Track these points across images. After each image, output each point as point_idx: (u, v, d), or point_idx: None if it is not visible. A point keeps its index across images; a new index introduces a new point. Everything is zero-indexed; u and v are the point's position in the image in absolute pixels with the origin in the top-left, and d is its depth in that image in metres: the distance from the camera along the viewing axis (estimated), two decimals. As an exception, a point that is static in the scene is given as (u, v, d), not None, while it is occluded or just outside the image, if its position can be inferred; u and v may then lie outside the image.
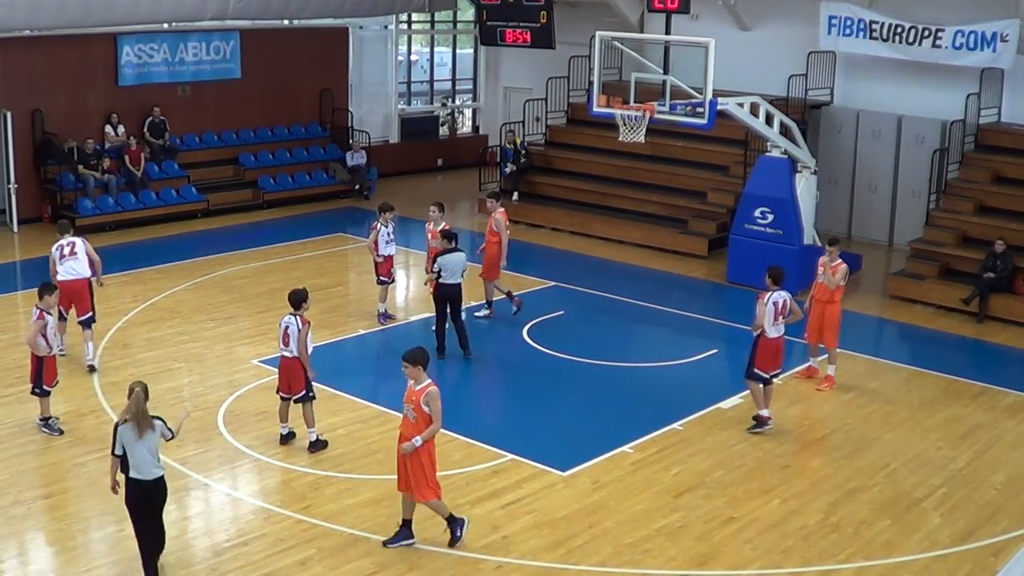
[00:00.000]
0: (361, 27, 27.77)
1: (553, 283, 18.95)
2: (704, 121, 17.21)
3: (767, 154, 19.00)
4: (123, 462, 9.11)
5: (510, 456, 12.09)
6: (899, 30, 20.83)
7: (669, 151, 22.79)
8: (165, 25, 23.25)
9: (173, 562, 9.76)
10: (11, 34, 20.82)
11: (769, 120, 18.46)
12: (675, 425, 13.12)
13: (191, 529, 10.47)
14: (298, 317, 11.86)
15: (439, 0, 27.32)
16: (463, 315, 15.23)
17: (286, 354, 11.95)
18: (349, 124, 26.35)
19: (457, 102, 31.65)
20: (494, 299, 16.76)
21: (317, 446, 12.03)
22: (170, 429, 9.28)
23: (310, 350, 11.92)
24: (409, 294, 18.60)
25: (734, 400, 13.80)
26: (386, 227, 16.14)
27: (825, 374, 14.59)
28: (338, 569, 9.75)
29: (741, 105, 17.98)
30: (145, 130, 23.04)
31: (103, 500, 10.32)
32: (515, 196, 23.83)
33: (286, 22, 25.48)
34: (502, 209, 16.78)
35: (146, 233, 21.51)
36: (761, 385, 13.02)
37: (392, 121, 28.74)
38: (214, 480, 11.44)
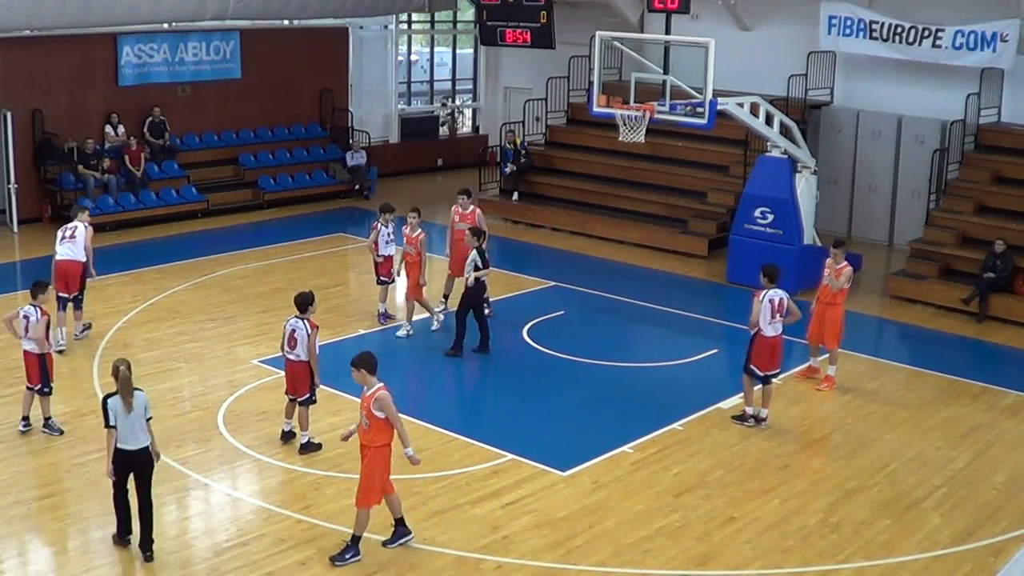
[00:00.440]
0: (361, 27, 27.78)
1: (553, 283, 18.95)
2: (704, 121, 17.21)
3: (767, 154, 19.00)
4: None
5: (510, 456, 12.09)
6: (899, 30, 20.84)
7: (669, 151, 22.79)
8: (165, 25, 23.26)
9: (173, 562, 9.77)
10: (11, 34, 20.82)
11: (769, 120, 18.46)
12: (675, 425, 13.13)
13: (191, 529, 10.47)
14: (306, 321, 11.83)
15: (439, 0, 27.34)
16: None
17: (291, 357, 11.93)
18: (349, 124, 26.35)
19: (457, 102, 31.66)
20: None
21: (309, 448, 12.03)
22: (150, 410, 9.79)
23: (317, 353, 11.93)
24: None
25: (734, 400, 13.78)
26: (386, 227, 16.19)
27: (825, 374, 14.59)
28: (338, 569, 9.75)
29: (741, 105, 17.98)
30: (145, 130, 23.04)
31: (103, 500, 10.31)
32: (515, 196, 23.84)
33: (286, 22, 25.49)
34: (473, 208, 16.78)
35: (146, 233, 21.51)
36: (759, 384, 13.05)
37: (392, 121, 28.75)
38: (214, 480, 11.44)
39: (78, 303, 15.20)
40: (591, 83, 19.75)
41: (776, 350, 13.12)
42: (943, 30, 20.26)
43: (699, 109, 17.13)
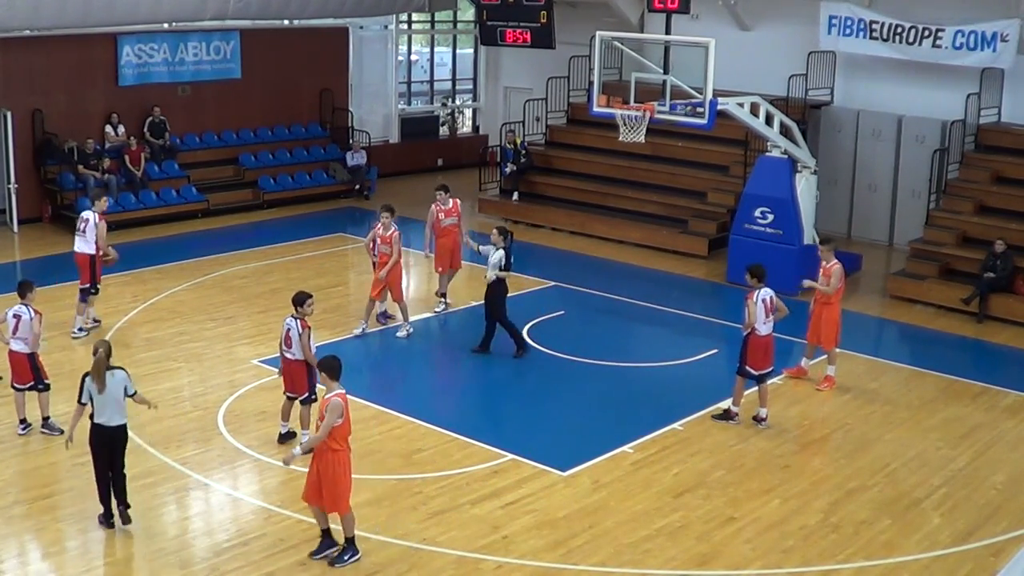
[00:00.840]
0: (361, 27, 27.77)
1: (553, 283, 18.95)
2: (704, 121, 17.21)
3: (767, 154, 18.99)
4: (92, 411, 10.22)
5: (510, 456, 12.09)
6: (899, 30, 20.84)
7: (669, 151, 22.78)
8: (165, 25, 23.25)
9: (173, 562, 9.77)
10: (11, 34, 20.82)
11: (769, 120, 18.45)
12: (675, 425, 13.13)
13: (191, 529, 10.47)
14: (298, 320, 11.85)
15: (439, 0, 27.33)
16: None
17: (288, 356, 11.95)
18: (349, 124, 26.35)
19: (457, 102, 31.66)
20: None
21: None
22: (133, 386, 10.31)
23: (313, 351, 11.92)
24: (409, 294, 18.56)
25: (734, 400, 13.80)
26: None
27: (825, 374, 14.58)
28: (338, 570, 9.74)
29: (741, 105, 17.97)
30: (145, 130, 23.04)
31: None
32: (515, 196, 23.83)
33: (286, 22, 25.48)
34: (454, 201, 17.14)
35: (146, 233, 21.50)
36: (754, 385, 13.07)
37: (392, 121, 28.74)
38: (214, 480, 11.44)
39: (84, 295, 15.36)
40: (591, 83, 19.74)
41: (770, 348, 13.14)
42: (943, 30, 20.26)
43: (699, 109, 17.13)
